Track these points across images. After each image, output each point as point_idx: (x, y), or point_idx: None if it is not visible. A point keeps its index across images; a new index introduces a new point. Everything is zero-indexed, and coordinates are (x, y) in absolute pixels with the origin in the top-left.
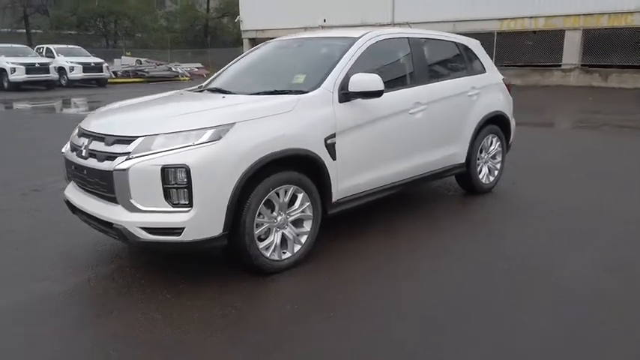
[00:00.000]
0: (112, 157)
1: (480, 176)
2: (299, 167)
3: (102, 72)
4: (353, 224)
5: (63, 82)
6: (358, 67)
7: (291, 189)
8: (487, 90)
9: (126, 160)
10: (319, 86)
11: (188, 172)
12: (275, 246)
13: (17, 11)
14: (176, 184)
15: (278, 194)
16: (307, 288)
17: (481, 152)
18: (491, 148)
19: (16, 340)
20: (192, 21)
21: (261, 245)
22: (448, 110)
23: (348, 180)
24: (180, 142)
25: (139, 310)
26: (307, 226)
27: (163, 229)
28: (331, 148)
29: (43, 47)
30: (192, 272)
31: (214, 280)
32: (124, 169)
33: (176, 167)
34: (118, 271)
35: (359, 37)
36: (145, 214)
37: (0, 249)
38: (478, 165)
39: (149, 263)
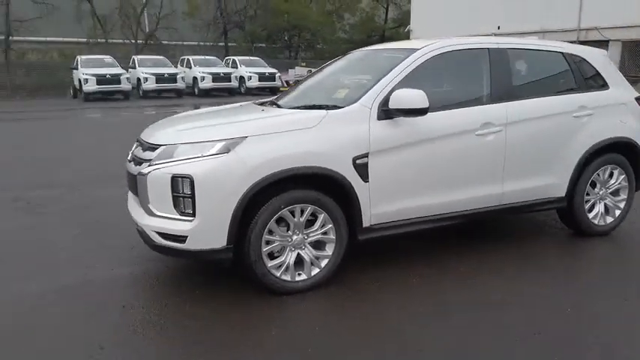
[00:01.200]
0: (141, 162)
1: (591, 215)
2: (320, 186)
3: (274, 81)
4: (402, 251)
5: (242, 89)
6: (411, 82)
7: (309, 208)
8: (606, 110)
9: (148, 165)
10: (356, 101)
11: (192, 182)
12: (287, 266)
13: (219, 27)
14: (183, 193)
15: (293, 213)
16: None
17: (594, 186)
18: (611, 182)
19: (76, 312)
20: (370, 32)
21: (271, 263)
22: (539, 133)
23: (384, 205)
24: (194, 152)
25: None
26: (329, 249)
27: (172, 235)
28: (362, 169)
29: (230, 59)
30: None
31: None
32: (144, 174)
33: (183, 177)
34: (163, 268)
35: (419, 49)
36: (159, 219)
37: (92, 237)
38: (588, 201)
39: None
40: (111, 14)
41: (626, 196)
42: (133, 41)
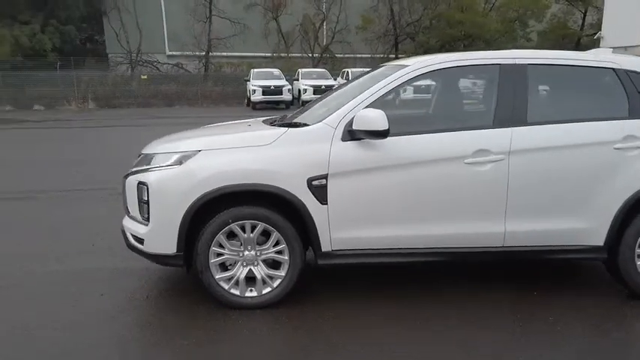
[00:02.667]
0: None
1: None
2: (273, 204)
3: None
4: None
5: None
6: (389, 102)
7: (259, 226)
8: None
9: (130, 172)
10: (322, 120)
11: (147, 189)
12: (237, 280)
13: (390, 39)
14: (143, 199)
15: (244, 228)
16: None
17: None
18: None
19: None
20: (560, 39)
21: (220, 275)
22: (560, 165)
23: (347, 230)
24: (157, 163)
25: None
26: (284, 270)
27: (135, 237)
28: (319, 191)
29: (346, 71)
30: None
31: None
32: (125, 178)
33: (143, 184)
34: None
35: (407, 66)
36: (132, 221)
37: None
38: None
39: None
40: (292, 31)
41: None
42: (310, 55)
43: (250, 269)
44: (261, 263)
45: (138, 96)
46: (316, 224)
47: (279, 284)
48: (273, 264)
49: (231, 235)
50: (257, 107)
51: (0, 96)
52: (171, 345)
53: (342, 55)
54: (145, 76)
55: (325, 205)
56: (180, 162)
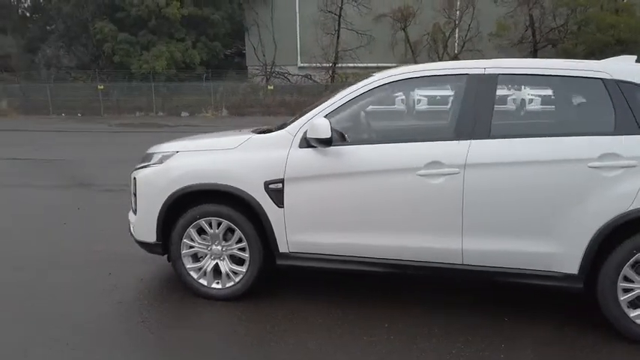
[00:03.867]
0: None
1: (635, 313)
2: (236, 204)
3: (448, 105)
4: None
5: None
6: (349, 111)
7: (223, 223)
8: None
9: (134, 168)
10: (284, 128)
11: (135, 183)
12: (205, 272)
13: (527, 46)
14: (133, 192)
15: (211, 224)
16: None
17: (638, 272)
18: None
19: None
20: None
21: (191, 265)
22: (523, 182)
23: (302, 234)
24: (149, 161)
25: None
26: (245, 266)
27: (130, 225)
28: (276, 194)
29: None
30: None
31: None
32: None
33: (134, 179)
34: None
35: (372, 76)
36: (131, 212)
37: None
38: (628, 291)
39: None
40: (420, 40)
41: None
42: None
43: (217, 263)
44: (226, 258)
45: (264, 105)
46: (273, 225)
47: (241, 279)
48: (239, 260)
49: (203, 230)
50: None
51: (155, 104)
52: (129, 323)
53: None
54: (272, 87)
55: (282, 209)
56: (161, 161)
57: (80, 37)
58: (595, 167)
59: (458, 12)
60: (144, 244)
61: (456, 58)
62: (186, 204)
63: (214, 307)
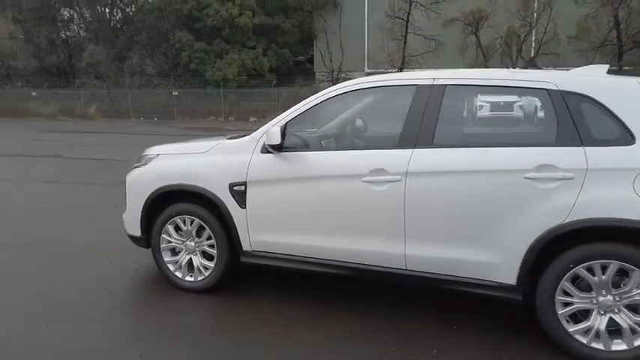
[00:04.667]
0: None
1: (574, 328)
2: (206, 204)
3: (511, 111)
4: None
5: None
6: (307, 119)
7: (195, 221)
8: (610, 177)
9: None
10: (250, 134)
11: (125, 183)
12: (180, 265)
13: (610, 49)
14: (125, 190)
15: (185, 222)
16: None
17: (587, 289)
18: (626, 288)
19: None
20: None
21: (168, 258)
22: (460, 192)
23: (262, 234)
24: (139, 162)
25: None
26: (214, 262)
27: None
28: (239, 195)
29: None
30: None
31: None
32: None
33: (126, 179)
34: None
35: (331, 86)
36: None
37: None
38: (569, 305)
39: None
40: (492, 44)
41: None
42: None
43: (191, 258)
44: (199, 254)
45: None
46: (236, 225)
47: (210, 274)
48: (209, 256)
49: (179, 227)
50: None
51: (225, 109)
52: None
53: (548, 68)
54: None
55: (244, 209)
56: (146, 163)
57: (161, 47)
58: (531, 178)
59: (535, 14)
60: (132, 237)
61: (531, 62)
62: (165, 202)
63: (188, 297)
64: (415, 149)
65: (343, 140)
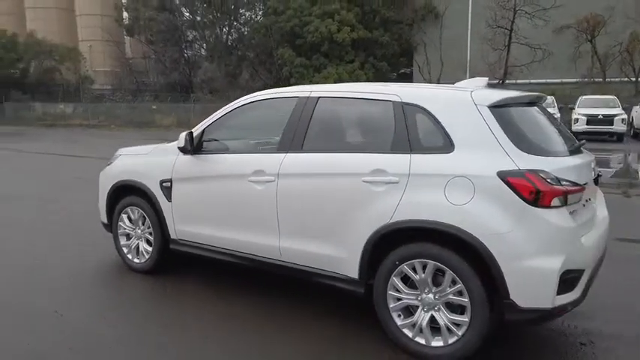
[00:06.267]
0: None
1: (402, 322)
2: (145, 197)
3: (611, 125)
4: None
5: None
6: (219, 126)
7: (139, 211)
8: (426, 182)
9: None
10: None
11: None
12: (131, 249)
13: None
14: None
15: (133, 212)
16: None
17: (416, 287)
18: (442, 286)
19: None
20: None
21: (123, 243)
22: (314, 192)
23: (185, 224)
24: (109, 161)
25: None
26: (152, 247)
27: None
28: (167, 190)
29: None
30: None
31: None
32: None
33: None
34: None
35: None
36: None
37: None
38: (401, 300)
39: None
40: (610, 52)
41: (468, 318)
42: (634, 79)
43: (138, 243)
44: (143, 240)
45: None
46: (165, 216)
47: (149, 257)
48: (149, 242)
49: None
50: (579, 138)
51: None
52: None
53: None
54: None
55: (170, 203)
56: (111, 161)
57: (266, 63)
58: (367, 182)
59: None
60: (103, 224)
61: None
62: (121, 195)
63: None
64: (288, 153)
65: (240, 145)
